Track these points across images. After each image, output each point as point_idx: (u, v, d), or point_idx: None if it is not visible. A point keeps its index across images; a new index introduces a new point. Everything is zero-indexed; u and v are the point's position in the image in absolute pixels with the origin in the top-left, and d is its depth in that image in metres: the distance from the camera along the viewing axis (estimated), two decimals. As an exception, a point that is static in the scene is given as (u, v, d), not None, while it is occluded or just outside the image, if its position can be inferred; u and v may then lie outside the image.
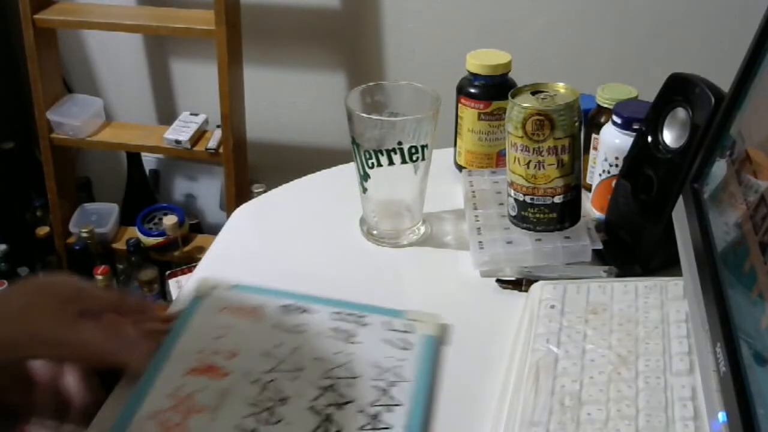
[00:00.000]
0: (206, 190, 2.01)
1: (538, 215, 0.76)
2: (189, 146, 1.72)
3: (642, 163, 0.75)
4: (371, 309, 0.70)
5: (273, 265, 0.80)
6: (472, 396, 0.63)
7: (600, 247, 0.76)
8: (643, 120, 0.75)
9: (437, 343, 0.67)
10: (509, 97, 0.73)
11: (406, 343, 0.66)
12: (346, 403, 0.60)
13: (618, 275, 0.74)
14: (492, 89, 0.87)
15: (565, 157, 0.73)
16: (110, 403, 0.62)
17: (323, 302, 0.71)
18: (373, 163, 0.77)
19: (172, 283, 1.68)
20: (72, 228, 1.84)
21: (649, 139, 0.74)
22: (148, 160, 1.99)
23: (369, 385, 0.62)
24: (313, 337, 0.67)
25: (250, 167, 1.82)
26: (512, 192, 0.76)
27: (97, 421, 0.60)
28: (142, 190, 1.95)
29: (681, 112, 0.72)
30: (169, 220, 1.74)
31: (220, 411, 0.59)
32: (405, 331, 0.68)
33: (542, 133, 0.71)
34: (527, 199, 0.75)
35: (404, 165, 0.77)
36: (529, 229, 0.77)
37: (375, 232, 0.83)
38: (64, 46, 1.86)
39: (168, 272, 1.71)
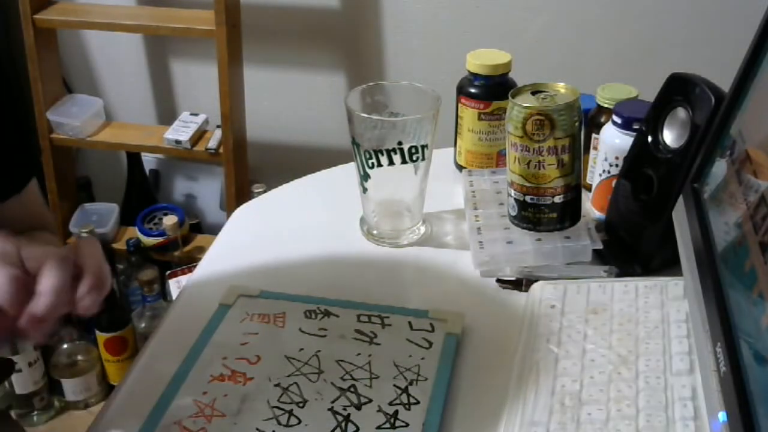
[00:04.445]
0: (206, 190, 2.01)
1: (538, 215, 0.76)
2: (189, 146, 1.72)
3: (642, 163, 0.75)
4: (395, 310, 0.70)
5: (273, 266, 0.80)
6: (474, 395, 0.63)
7: (600, 247, 0.76)
8: (643, 120, 0.75)
9: (458, 341, 0.67)
10: (509, 97, 0.73)
11: (428, 342, 0.66)
12: (365, 403, 0.61)
13: (618, 275, 0.74)
14: (492, 89, 0.87)
15: (565, 157, 0.73)
16: (135, 410, 0.62)
17: (348, 305, 0.71)
18: (373, 163, 0.77)
19: (173, 283, 1.68)
20: (72, 228, 1.84)
21: (649, 139, 0.74)
22: (148, 160, 1.99)
23: (388, 385, 0.62)
24: (335, 340, 0.67)
25: (250, 167, 1.82)
26: (512, 192, 0.76)
27: (122, 429, 0.61)
28: (142, 190, 1.95)
29: (681, 112, 0.72)
30: (169, 220, 1.74)
31: (241, 415, 0.60)
32: (428, 330, 0.68)
33: (542, 133, 0.71)
34: (527, 199, 0.75)
35: (404, 165, 0.77)
36: (529, 229, 0.77)
37: (375, 232, 0.83)
38: (64, 46, 1.86)
39: (168, 272, 1.71)
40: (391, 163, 0.77)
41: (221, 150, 1.71)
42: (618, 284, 0.69)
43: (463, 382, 0.64)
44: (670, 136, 0.73)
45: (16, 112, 0.74)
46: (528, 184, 0.74)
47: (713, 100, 0.68)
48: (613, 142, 0.79)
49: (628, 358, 0.61)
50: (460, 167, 0.93)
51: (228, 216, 0.98)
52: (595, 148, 0.85)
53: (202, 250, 1.79)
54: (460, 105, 0.90)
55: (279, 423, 0.59)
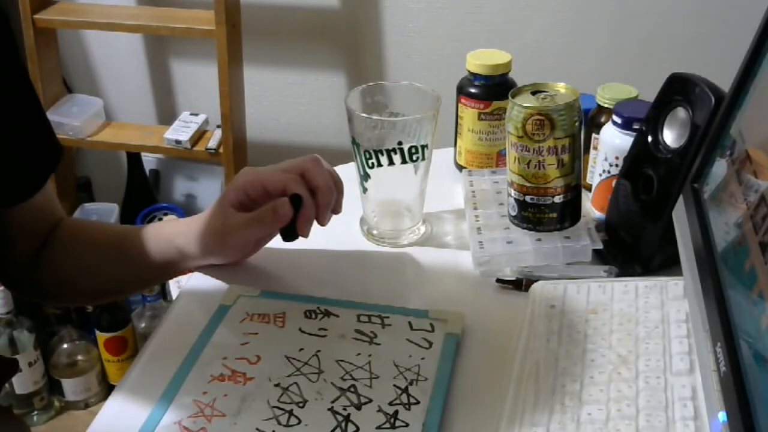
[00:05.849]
0: (206, 190, 2.01)
1: (538, 215, 0.76)
2: (189, 146, 1.72)
3: (642, 163, 0.75)
4: (395, 310, 0.70)
5: (273, 265, 0.80)
6: (474, 395, 0.63)
7: (600, 247, 0.76)
8: (643, 120, 0.75)
9: (458, 341, 0.67)
10: (509, 97, 0.73)
11: (428, 342, 0.66)
12: (365, 403, 0.61)
13: (618, 275, 0.74)
14: (492, 89, 0.87)
15: (565, 157, 0.73)
16: (135, 410, 0.62)
17: (348, 305, 0.71)
18: (373, 163, 0.77)
19: (173, 283, 1.68)
20: (72, 228, 1.84)
21: (649, 138, 0.74)
22: (148, 160, 1.99)
23: (388, 385, 0.62)
24: (335, 340, 0.67)
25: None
26: (512, 192, 0.76)
27: (122, 429, 0.61)
28: (142, 190, 1.95)
29: (681, 112, 0.72)
30: (169, 220, 1.74)
31: (240, 415, 0.60)
32: (428, 330, 0.68)
33: (542, 133, 0.71)
34: (527, 199, 0.75)
35: (404, 165, 0.77)
36: (529, 229, 0.77)
37: (375, 232, 0.83)
38: (64, 46, 1.86)
39: (168, 272, 1.70)
40: (391, 163, 0.77)
41: (221, 150, 1.71)
42: (618, 284, 0.69)
43: (463, 382, 0.64)
44: (670, 136, 0.73)
45: (34, 102, 0.75)
46: (528, 184, 0.74)
47: (713, 100, 0.68)
48: (613, 142, 0.79)
49: (628, 358, 0.61)
50: (460, 167, 0.93)
51: (228, 216, 0.98)
52: (595, 148, 0.85)
53: (202, 250, 1.78)
54: (460, 105, 0.90)
55: (279, 423, 0.59)
